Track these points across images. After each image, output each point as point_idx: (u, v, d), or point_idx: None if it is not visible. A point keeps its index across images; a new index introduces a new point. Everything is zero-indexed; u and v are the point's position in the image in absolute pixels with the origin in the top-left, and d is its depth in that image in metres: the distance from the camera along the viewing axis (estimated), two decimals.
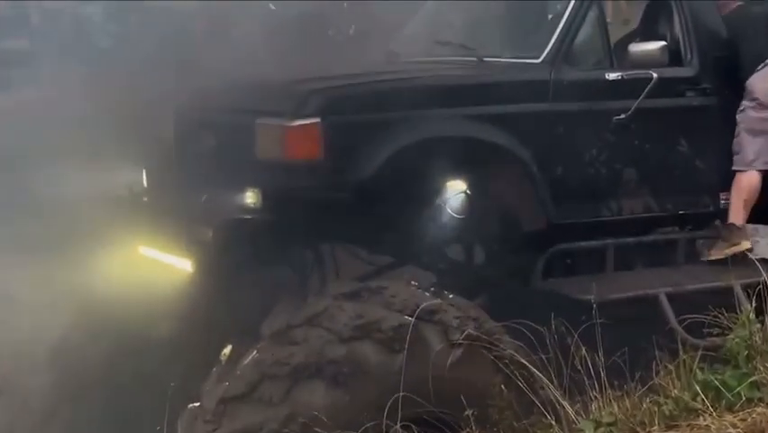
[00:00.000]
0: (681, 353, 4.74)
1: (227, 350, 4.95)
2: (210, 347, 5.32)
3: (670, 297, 5.57)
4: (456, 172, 5.27)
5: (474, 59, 5.81)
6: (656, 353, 4.86)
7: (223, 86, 5.94)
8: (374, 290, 4.87)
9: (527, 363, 4.78)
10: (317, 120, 5.04)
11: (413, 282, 5.10)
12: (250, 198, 5.09)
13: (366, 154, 5.07)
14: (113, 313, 5.79)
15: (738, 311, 5.05)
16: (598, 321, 4.77)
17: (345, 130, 5.09)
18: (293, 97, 5.19)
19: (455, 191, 5.36)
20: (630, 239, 5.88)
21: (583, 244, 5.74)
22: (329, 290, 4.92)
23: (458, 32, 6.29)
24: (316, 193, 5.05)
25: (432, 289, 5.10)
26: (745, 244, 5.93)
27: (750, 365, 4.51)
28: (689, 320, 5.23)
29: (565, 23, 5.66)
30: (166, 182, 5.95)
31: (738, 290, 5.51)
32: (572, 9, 5.69)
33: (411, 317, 4.69)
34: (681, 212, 6.01)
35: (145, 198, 5.89)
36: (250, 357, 4.66)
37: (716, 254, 5.95)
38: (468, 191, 5.36)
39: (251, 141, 5.24)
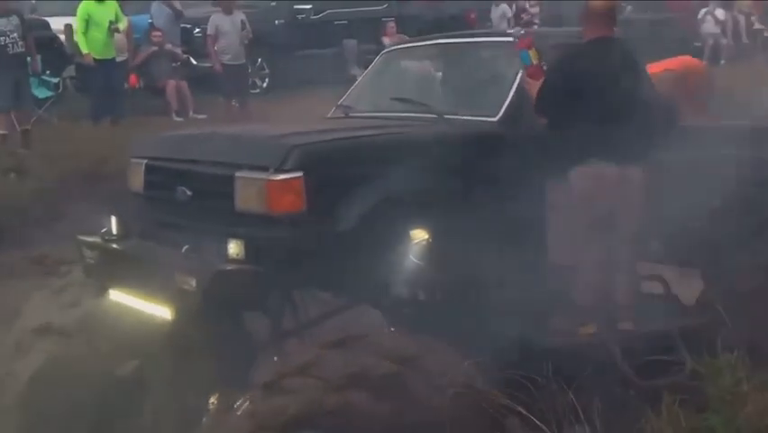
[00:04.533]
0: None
1: (214, 398, 4.40)
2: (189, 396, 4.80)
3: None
4: (429, 224, 4.80)
5: (434, 115, 5.37)
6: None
7: (195, 137, 5.39)
8: (358, 337, 4.37)
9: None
10: (300, 174, 4.57)
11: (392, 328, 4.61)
12: (233, 248, 4.58)
13: (347, 206, 4.61)
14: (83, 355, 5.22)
15: None
16: None
17: (327, 183, 4.63)
18: (274, 151, 4.69)
19: (418, 240, 4.91)
20: None
21: None
22: (314, 338, 4.40)
23: (411, 89, 5.87)
24: (299, 244, 4.57)
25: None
26: None
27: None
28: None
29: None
30: (138, 230, 5.38)
31: None
32: None
33: (397, 363, 4.21)
34: None
35: (116, 246, 5.28)
36: (242, 407, 4.11)
37: None
38: (430, 240, 4.89)
39: (229, 193, 4.74)
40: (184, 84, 13.50)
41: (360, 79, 6.49)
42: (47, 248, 9.04)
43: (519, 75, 5.24)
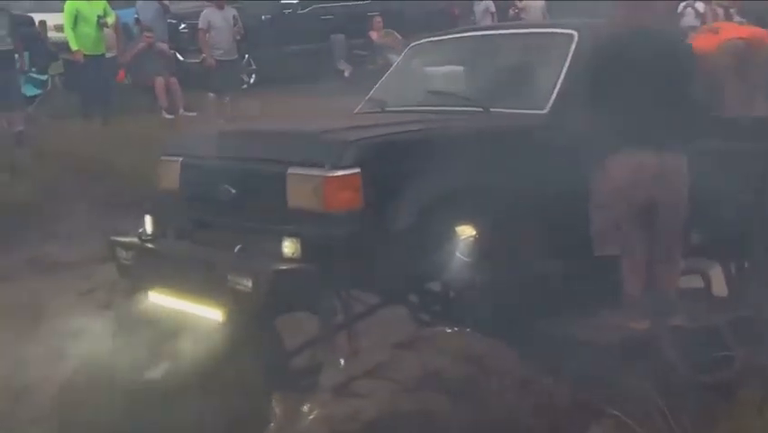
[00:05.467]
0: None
1: (277, 402, 4.22)
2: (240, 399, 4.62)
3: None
4: (487, 220, 4.64)
5: (479, 109, 5.22)
6: None
7: (237, 134, 5.20)
8: (426, 337, 4.23)
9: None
10: (358, 170, 4.39)
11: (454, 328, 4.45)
12: (288, 247, 4.40)
13: (404, 203, 4.43)
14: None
15: None
16: None
17: (384, 179, 4.44)
18: (329, 148, 4.50)
19: (472, 237, 4.75)
20: None
21: None
22: (382, 339, 4.24)
23: (445, 82, 5.70)
24: (357, 242, 4.40)
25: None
26: None
27: None
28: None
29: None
30: (175, 229, 5.18)
31: None
32: None
33: (468, 363, 4.06)
34: None
35: (156, 246, 5.09)
36: (314, 412, 3.93)
37: None
38: (489, 236, 4.73)
39: (280, 190, 4.55)
40: (174, 81, 13.25)
41: (387, 73, 6.31)
42: (47, 248, 8.86)
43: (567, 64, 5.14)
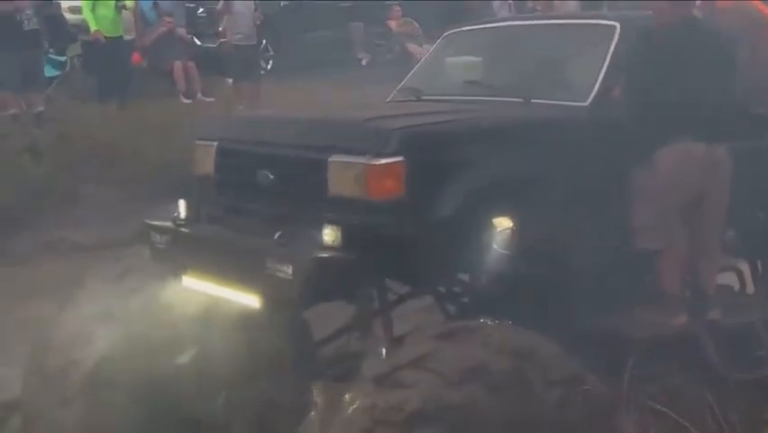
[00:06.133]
0: None
1: (318, 392, 4.15)
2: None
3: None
4: (530, 211, 4.57)
5: (519, 99, 5.15)
6: None
7: (277, 120, 5.14)
8: (470, 329, 4.16)
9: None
10: (401, 158, 4.32)
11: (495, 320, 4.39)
12: (329, 235, 4.34)
13: (446, 193, 4.37)
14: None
15: None
16: None
17: (427, 168, 4.36)
18: (373, 136, 4.44)
19: (507, 228, 4.69)
20: None
21: None
22: (425, 330, 4.17)
23: (483, 72, 5.63)
24: (398, 230, 4.34)
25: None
26: None
27: None
28: None
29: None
30: (209, 214, 5.12)
31: None
32: None
33: (513, 357, 4.00)
34: None
35: (192, 231, 5.03)
36: (357, 402, 3.88)
37: None
38: (514, 228, 4.68)
39: (320, 177, 4.49)
40: (192, 65, 13.18)
41: (421, 62, 6.25)
42: (70, 231, 8.82)
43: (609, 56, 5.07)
